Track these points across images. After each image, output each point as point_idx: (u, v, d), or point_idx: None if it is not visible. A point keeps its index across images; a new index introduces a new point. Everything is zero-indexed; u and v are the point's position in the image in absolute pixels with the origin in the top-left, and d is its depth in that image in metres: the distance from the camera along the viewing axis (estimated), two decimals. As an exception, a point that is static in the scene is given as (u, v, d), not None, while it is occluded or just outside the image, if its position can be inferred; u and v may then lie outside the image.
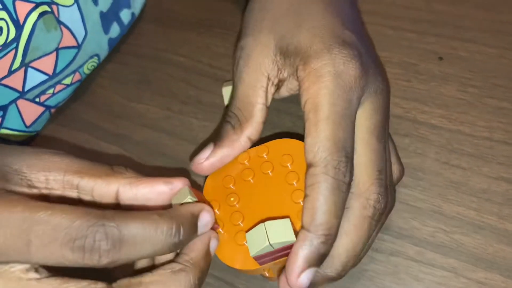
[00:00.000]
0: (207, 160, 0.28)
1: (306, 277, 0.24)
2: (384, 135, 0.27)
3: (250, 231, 0.25)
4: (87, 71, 0.42)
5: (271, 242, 0.24)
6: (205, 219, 0.25)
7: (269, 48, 0.29)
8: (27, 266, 0.22)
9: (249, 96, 0.29)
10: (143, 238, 0.22)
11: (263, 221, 0.25)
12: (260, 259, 0.25)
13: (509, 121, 0.33)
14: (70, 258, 0.21)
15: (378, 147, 0.26)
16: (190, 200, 0.25)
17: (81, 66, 0.40)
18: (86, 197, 0.25)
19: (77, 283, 0.21)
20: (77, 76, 0.40)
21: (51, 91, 0.39)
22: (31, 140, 0.41)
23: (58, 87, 0.39)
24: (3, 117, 0.36)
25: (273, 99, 0.30)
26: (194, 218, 0.24)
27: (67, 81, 0.40)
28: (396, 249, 0.30)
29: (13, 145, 0.26)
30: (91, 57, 0.41)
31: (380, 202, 0.25)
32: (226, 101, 0.36)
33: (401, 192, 0.32)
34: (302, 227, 0.24)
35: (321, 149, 0.24)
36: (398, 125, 0.34)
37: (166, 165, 0.37)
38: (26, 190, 0.24)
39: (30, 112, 0.38)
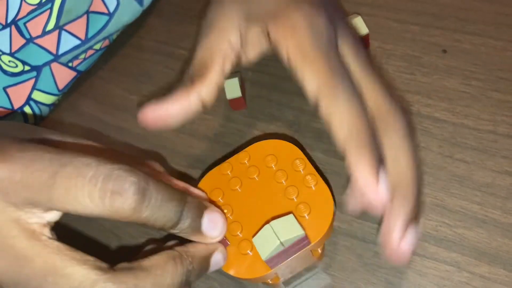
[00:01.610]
0: (152, 111, 0.27)
1: (407, 242, 0.24)
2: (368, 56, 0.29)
3: (257, 235, 0.24)
4: (115, 37, 0.43)
5: (281, 240, 0.23)
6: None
7: (231, 15, 0.29)
8: (44, 221, 0.22)
9: (205, 58, 0.28)
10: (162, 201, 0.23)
11: (264, 224, 0.24)
12: (272, 261, 0.24)
13: (513, 115, 0.32)
14: (96, 195, 0.21)
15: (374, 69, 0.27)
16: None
17: (112, 34, 0.41)
18: None
19: (83, 256, 0.21)
20: (106, 42, 0.42)
21: (83, 56, 0.40)
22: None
23: (89, 52, 0.40)
24: (36, 78, 0.38)
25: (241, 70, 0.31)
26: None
27: (97, 46, 0.41)
28: (398, 243, 0.30)
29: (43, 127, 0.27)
30: (124, 26, 0.42)
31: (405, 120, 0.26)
32: (227, 94, 0.36)
33: (404, 185, 0.31)
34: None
35: (321, 81, 0.25)
36: (401, 118, 0.34)
37: (166, 158, 0.36)
38: None
39: (63, 75, 0.40)
